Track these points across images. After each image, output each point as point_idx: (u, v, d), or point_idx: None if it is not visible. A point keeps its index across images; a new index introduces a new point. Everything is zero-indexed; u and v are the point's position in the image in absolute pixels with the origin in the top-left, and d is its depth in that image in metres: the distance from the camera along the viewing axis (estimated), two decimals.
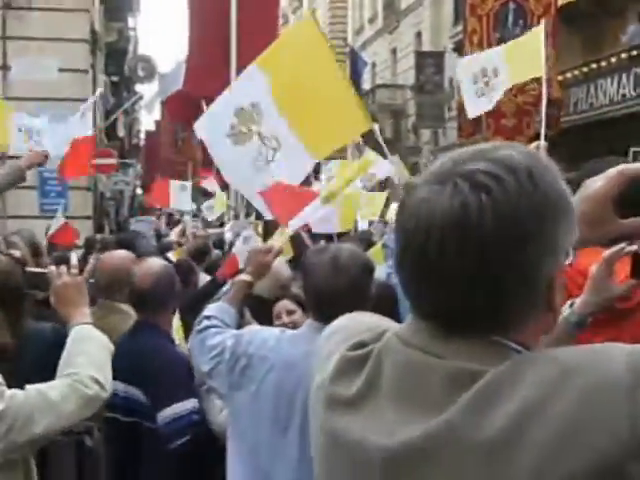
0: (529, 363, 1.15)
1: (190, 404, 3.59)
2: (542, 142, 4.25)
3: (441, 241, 1.15)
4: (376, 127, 5.49)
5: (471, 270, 1.15)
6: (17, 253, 3.51)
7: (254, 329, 3.27)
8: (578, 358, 1.14)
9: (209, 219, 13.51)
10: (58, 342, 3.63)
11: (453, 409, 1.13)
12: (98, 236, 12.13)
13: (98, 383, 2.83)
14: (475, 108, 6.21)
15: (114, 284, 4.42)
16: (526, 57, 5.91)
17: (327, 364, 1.35)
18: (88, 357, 2.88)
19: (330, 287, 2.91)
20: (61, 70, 13.47)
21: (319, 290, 2.96)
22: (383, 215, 9.55)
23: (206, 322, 3.31)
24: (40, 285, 3.21)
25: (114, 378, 3.69)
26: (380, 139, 5.41)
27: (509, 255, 1.14)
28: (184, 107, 15.23)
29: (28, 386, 2.70)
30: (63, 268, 3.15)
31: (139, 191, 37.04)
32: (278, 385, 2.97)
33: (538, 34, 6.02)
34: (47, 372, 3.52)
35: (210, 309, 3.42)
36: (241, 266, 4.45)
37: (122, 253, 4.95)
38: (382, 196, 9.54)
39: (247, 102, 5.40)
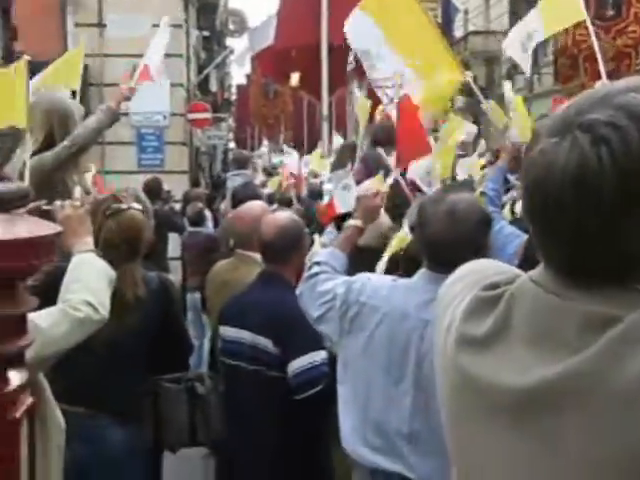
0: None
1: (321, 355, 3.60)
2: None
3: (560, 198, 1.14)
4: (469, 75, 5.44)
5: (592, 228, 1.13)
6: (139, 206, 3.67)
7: (366, 277, 3.21)
8: None
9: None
10: (166, 290, 3.80)
11: (591, 351, 1.12)
12: (194, 190, 12.31)
13: (90, 305, 2.89)
14: (526, 62, 6.11)
15: (249, 235, 4.51)
16: (562, 4, 5.72)
17: (454, 306, 1.35)
18: (83, 283, 2.96)
19: (448, 238, 2.85)
20: (154, 26, 13.60)
21: (436, 240, 2.90)
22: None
23: (317, 268, 3.32)
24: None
25: (242, 327, 3.79)
26: (475, 87, 5.34)
27: (631, 211, 1.11)
28: (275, 62, 15.29)
29: None
30: (66, 202, 3.24)
31: (232, 145, 37.40)
32: (391, 335, 2.96)
33: None
34: (155, 318, 3.67)
35: (321, 254, 3.43)
36: (340, 211, 4.47)
37: (258, 205, 4.99)
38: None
39: (361, 48, 5.49)
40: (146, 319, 3.61)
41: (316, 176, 9.95)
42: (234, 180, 9.56)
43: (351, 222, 3.59)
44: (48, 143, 4.65)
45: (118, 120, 5.08)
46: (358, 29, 5.54)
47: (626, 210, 1.11)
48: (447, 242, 2.85)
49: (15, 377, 1.80)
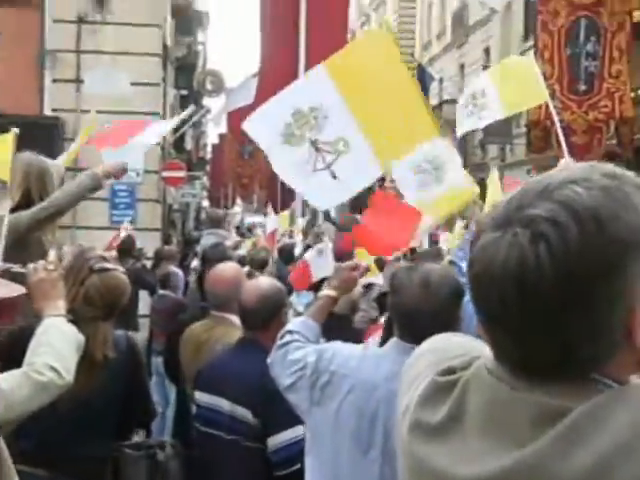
0: (620, 400, 1.11)
1: (301, 430, 3.53)
2: None
3: (501, 294, 1.13)
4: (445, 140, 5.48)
5: (535, 323, 1.12)
6: (121, 269, 3.69)
7: (337, 346, 3.22)
8: None
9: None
10: (132, 351, 3.76)
11: (539, 443, 1.10)
12: (166, 247, 12.27)
13: (54, 371, 2.86)
14: (463, 126, 6.13)
15: (224, 297, 4.50)
16: (521, 84, 5.68)
17: (414, 388, 1.33)
18: (50, 347, 2.93)
19: (419, 308, 2.86)
20: (133, 84, 13.69)
21: (408, 310, 2.91)
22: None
23: (288, 337, 3.31)
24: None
25: (220, 395, 3.74)
26: (455, 149, 5.40)
27: (573, 307, 1.10)
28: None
29: None
30: (40, 263, 3.22)
31: (205, 203, 37.43)
32: (360, 405, 2.95)
33: (530, 60, 5.81)
34: (120, 380, 3.61)
35: (294, 324, 3.42)
36: (314, 278, 4.46)
37: (234, 266, 4.98)
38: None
39: (307, 105, 5.34)
40: (112, 381, 3.56)
41: (291, 237, 9.97)
42: (208, 239, 9.58)
43: (325, 292, 3.60)
44: (26, 201, 4.60)
45: (101, 188, 5.01)
46: (313, 86, 5.46)
47: (567, 306, 1.10)
48: (419, 312, 2.85)
49: None
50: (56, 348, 2.94)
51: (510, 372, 1.19)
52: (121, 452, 3.70)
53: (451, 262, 5.19)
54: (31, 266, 3.22)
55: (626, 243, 1.10)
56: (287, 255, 9.04)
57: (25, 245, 4.36)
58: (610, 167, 1.17)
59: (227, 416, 3.71)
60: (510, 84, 5.53)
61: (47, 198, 4.64)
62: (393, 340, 2.99)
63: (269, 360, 3.35)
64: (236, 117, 18.09)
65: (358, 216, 5.52)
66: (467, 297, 4.71)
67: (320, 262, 4.67)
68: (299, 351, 3.21)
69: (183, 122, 24.68)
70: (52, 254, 3.46)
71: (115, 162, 5.15)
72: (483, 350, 1.31)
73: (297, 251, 8.53)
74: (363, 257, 4.16)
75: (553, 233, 1.09)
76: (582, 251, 1.09)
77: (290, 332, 3.33)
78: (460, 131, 6.10)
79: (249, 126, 5.60)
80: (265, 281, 4.17)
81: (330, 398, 3.03)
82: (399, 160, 5.33)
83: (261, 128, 5.60)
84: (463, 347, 1.38)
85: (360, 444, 2.93)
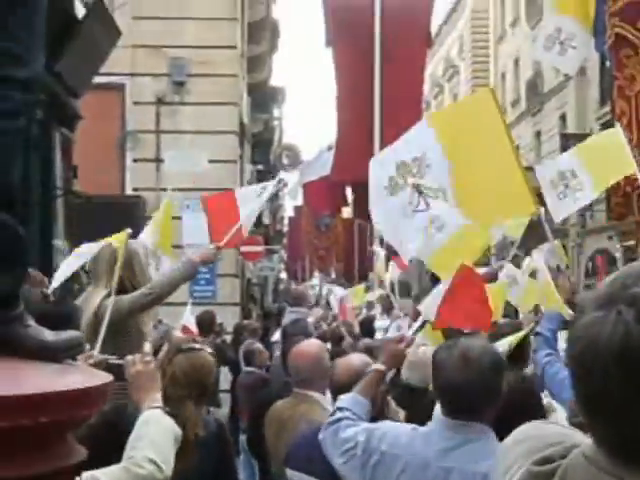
0: None
1: None
2: None
3: (605, 371, 1.11)
4: (542, 210, 5.31)
5: (637, 405, 1.10)
6: (209, 349, 3.73)
7: (386, 425, 3.26)
8: None
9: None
10: (222, 433, 3.76)
11: None
12: (245, 322, 12.33)
13: (154, 463, 2.88)
14: (559, 211, 5.92)
15: (309, 374, 4.49)
16: (609, 157, 5.51)
17: (510, 476, 1.30)
18: (148, 440, 2.95)
19: (460, 383, 2.92)
20: (211, 161, 13.96)
21: (449, 386, 2.97)
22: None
23: (339, 414, 3.33)
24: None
25: (309, 473, 3.71)
26: (545, 224, 5.25)
27: None
28: (327, 193, 15.46)
29: (85, 473, 2.75)
30: (137, 356, 3.27)
31: (283, 275, 37.67)
32: None
33: (617, 133, 5.67)
34: (210, 462, 3.61)
35: (343, 400, 3.42)
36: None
37: (317, 343, 4.97)
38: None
39: (410, 156, 5.33)
40: (205, 460, 3.59)
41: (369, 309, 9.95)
42: (290, 316, 9.64)
43: (375, 366, 3.61)
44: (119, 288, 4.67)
45: (196, 276, 5.09)
46: (417, 137, 5.34)
47: None
48: (461, 388, 2.91)
49: None
50: (155, 441, 2.97)
51: (609, 458, 1.16)
52: None
53: (537, 334, 5.11)
54: (129, 358, 3.27)
55: None
56: (367, 327, 9.03)
57: (124, 330, 4.43)
58: None
59: None
60: (598, 160, 5.39)
61: (140, 281, 4.71)
62: (439, 417, 3.04)
63: (320, 437, 3.37)
64: (312, 189, 18.26)
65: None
66: (552, 370, 4.62)
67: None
68: (350, 429, 3.23)
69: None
70: (147, 346, 3.51)
71: (208, 250, 5.23)
72: (579, 437, 1.29)
73: (378, 324, 8.50)
74: (429, 334, 4.11)
75: None
76: None
77: (340, 409, 3.35)
78: (558, 217, 5.91)
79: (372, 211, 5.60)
80: (357, 358, 4.14)
81: (383, 477, 3.07)
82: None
83: (372, 186, 5.61)
84: (558, 435, 1.36)
85: None
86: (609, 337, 1.11)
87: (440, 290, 4.61)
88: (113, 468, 2.80)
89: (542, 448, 1.29)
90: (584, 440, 1.28)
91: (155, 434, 3.00)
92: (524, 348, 4.93)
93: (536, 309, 6.24)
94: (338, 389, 3.91)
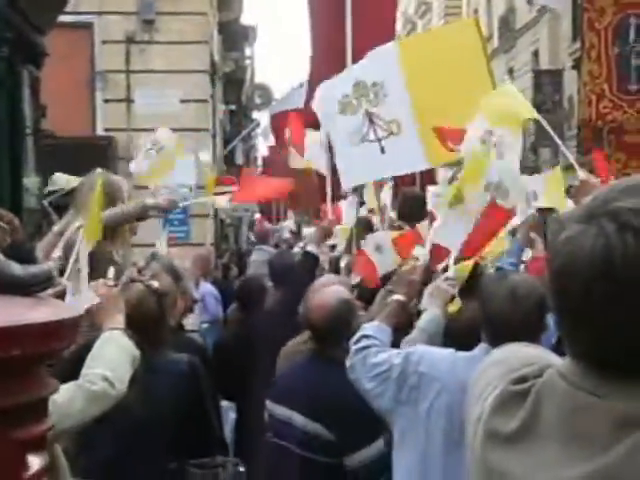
0: None
1: (382, 442, 3.62)
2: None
3: (586, 285, 1.12)
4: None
5: (620, 317, 1.10)
6: (155, 284, 3.61)
7: (421, 348, 3.36)
8: None
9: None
10: (194, 373, 3.74)
11: (618, 452, 1.09)
12: (219, 262, 12.35)
13: (107, 380, 2.91)
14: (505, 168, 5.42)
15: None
16: (511, 108, 5.01)
17: (484, 397, 1.33)
18: (105, 358, 3.00)
19: (506, 318, 3.03)
20: (182, 101, 13.81)
21: (495, 319, 3.08)
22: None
23: (365, 341, 3.42)
24: None
25: (292, 408, 3.73)
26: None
27: None
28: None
29: None
30: (100, 281, 3.31)
31: (257, 216, 37.54)
32: (451, 406, 3.07)
33: (507, 86, 5.01)
34: (181, 403, 3.61)
35: (367, 328, 3.51)
36: (380, 273, 4.51)
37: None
38: None
39: (370, 79, 5.30)
40: (176, 403, 3.58)
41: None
42: (257, 254, 9.73)
43: (395, 297, 3.70)
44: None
45: (144, 220, 5.11)
46: (381, 62, 5.31)
47: None
48: (507, 321, 3.03)
49: (35, 462, 1.78)
50: (110, 359, 3.00)
51: (586, 375, 1.17)
52: (186, 470, 3.72)
53: (499, 268, 5.13)
54: (92, 284, 3.27)
55: None
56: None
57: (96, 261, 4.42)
58: None
59: (300, 430, 3.73)
60: (502, 113, 4.92)
61: None
62: (482, 345, 3.15)
63: (348, 363, 3.44)
64: (281, 122, 18.10)
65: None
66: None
67: (380, 258, 4.66)
68: (382, 354, 3.34)
69: (233, 137, 24.89)
70: (111, 271, 3.51)
71: (165, 198, 5.24)
72: (555, 359, 1.32)
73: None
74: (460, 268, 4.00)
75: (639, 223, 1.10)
76: None
77: (366, 337, 3.43)
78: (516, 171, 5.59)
79: (315, 100, 5.63)
80: (332, 295, 4.04)
81: (421, 398, 3.18)
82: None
83: (321, 100, 5.60)
84: (533, 356, 1.38)
85: (450, 442, 3.06)
86: (590, 250, 1.12)
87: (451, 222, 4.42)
88: (66, 386, 2.80)
89: (518, 368, 1.31)
90: (559, 361, 1.30)
91: (111, 353, 3.03)
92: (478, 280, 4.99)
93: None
94: (315, 330, 3.98)
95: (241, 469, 3.86)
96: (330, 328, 3.87)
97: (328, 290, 4.14)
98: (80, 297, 3.22)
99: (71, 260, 3.66)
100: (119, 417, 3.05)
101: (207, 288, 10.03)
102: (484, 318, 3.17)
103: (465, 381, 3.01)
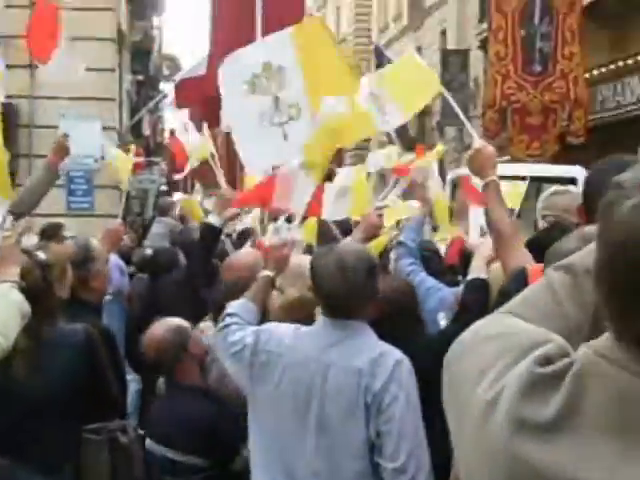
0: None
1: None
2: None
3: None
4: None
5: None
6: (42, 256, 3.50)
7: (272, 326, 3.40)
8: None
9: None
10: (89, 343, 3.69)
11: None
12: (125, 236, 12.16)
13: None
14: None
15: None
16: (412, 82, 4.89)
17: (492, 379, 1.20)
18: None
19: (337, 289, 3.12)
20: (88, 69, 13.50)
21: (327, 291, 3.17)
22: None
23: (228, 319, 3.44)
24: None
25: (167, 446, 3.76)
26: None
27: None
28: (194, 92, 15.12)
29: None
30: None
31: (164, 188, 37.02)
32: (295, 380, 3.14)
33: (412, 56, 5.24)
34: (77, 375, 3.57)
35: (232, 306, 3.53)
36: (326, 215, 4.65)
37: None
38: None
39: (276, 62, 5.34)
40: (68, 370, 3.54)
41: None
42: (157, 227, 9.68)
43: (263, 272, 3.71)
44: None
45: (59, 178, 4.99)
46: (281, 45, 5.42)
47: None
48: (336, 293, 3.13)
49: None
50: None
51: (629, 354, 1.08)
52: (81, 437, 3.69)
53: (400, 243, 5.21)
54: None
55: None
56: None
57: None
58: None
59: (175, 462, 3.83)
60: (403, 87, 4.88)
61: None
62: (321, 318, 3.22)
63: (212, 341, 3.55)
64: (185, 90, 17.79)
65: None
66: (417, 279, 4.77)
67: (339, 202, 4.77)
68: (238, 332, 3.36)
69: (140, 107, 24.49)
70: (8, 220, 3.43)
71: (56, 143, 5.12)
72: (553, 335, 1.22)
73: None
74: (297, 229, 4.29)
75: None
76: None
77: (230, 315, 3.46)
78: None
79: (221, 70, 5.58)
80: (162, 327, 4.09)
81: (269, 375, 3.21)
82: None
83: (229, 73, 5.56)
84: (535, 331, 1.26)
85: (298, 413, 3.11)
86: None
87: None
88: None
89: (531, 345, 1.20)
90: (554, 336, 1.22)
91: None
92: (382, 256, 5.13)
93: (397, 222, 6.36)
94: (151, 362, 4.11)
95: (142, 432, 3.87)
96: (164, 361, 4.01)
97: (161, 323, 4.16)
98: None
99: None
100: (11, 394, 3.01)
101: (112, 260, 9.86)
102: (317, 292, 3.26)
103: (307, 353, 3.14)
